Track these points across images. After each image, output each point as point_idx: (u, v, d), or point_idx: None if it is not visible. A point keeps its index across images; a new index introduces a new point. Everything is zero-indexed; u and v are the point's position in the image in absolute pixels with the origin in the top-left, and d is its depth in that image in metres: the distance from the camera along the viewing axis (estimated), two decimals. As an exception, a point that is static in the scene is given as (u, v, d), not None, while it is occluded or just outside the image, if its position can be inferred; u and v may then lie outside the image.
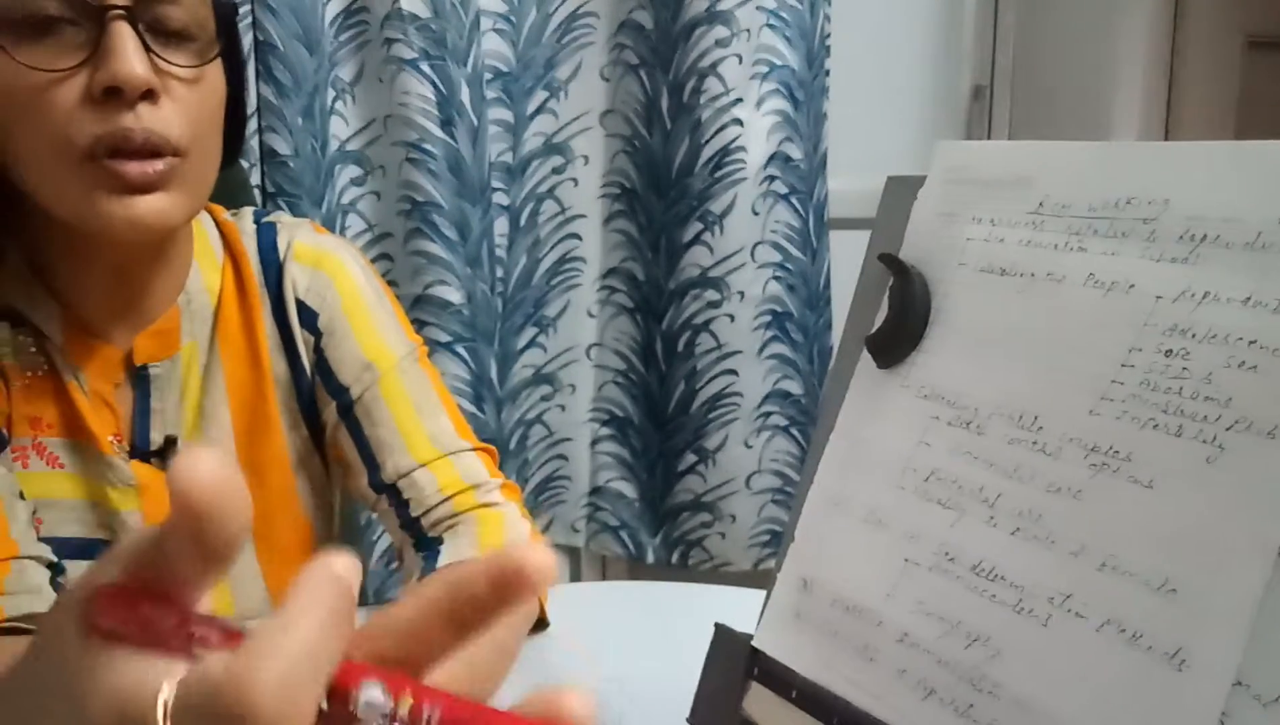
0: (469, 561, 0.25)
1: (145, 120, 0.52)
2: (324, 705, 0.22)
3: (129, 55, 0.51)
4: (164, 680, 0.22)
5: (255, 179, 1.13)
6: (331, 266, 0.68)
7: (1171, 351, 0.35)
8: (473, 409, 1.26)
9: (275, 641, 0.21)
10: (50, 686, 0.24)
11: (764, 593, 0.45)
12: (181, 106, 0.54)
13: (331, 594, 0.22)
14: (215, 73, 0.57)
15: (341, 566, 0.23)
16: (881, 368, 0.44)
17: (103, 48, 0.51)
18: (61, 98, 0.51)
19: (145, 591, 0.23)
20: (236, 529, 0.22)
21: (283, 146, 1.13)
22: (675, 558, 1.40)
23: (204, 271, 0.65)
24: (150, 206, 0.53)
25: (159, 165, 0.53)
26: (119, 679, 0.22)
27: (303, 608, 0.22)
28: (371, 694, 0.22)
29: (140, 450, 0.62)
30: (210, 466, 0.21)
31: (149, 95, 0.52)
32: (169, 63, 0.54)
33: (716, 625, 0.47)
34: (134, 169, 0.52)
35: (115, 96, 0.51)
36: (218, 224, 0.68)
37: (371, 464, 0.67)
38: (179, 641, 0.23)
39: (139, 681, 0.22)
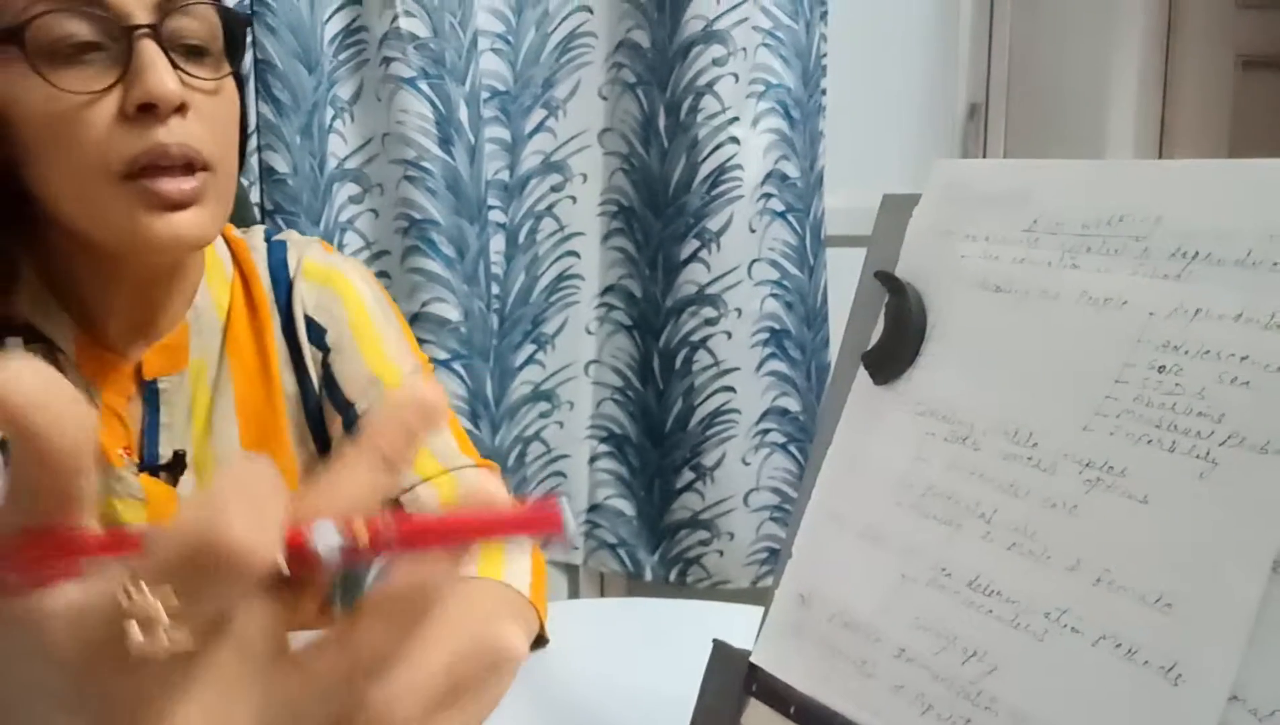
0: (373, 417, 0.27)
1: (178, 134, 0.54)
2: (284, 567, 0.23)
3: (161, 72, 0.52)
4: (98, 586, 0.22)
5: (254, 197, 1.14)
6: (340, 284, 0.68)
7: (1164, 367, 0.35)
8: (469, 426, 1.26)
9: (230, 490, 0.23)
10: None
11: (762, 609, 0.45)
12: (207, 119, 0.55)
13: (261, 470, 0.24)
14: (230, 86, 0.59)
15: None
16: (878, 384, 0.44)
17: (133, 67, 0.52)
18: (96, 117, 0.52)
19: (30, 536, 0.23)
20: (73, 432, 0.22)
21: (281, 164, 1.14)
22: (673, 576, 1.39)
23: (213, 288, 0.65)
24: (189, 221, 0.55)
25: (193, 181, 0.55)
26: (59, 617, 0.23)
27: (244, 471, 0.24)
28: (324, 532, 0.24)
29: (149, 464, 0.62)
30: (30, 379, 0.21)
31: (179, 109, 0.54)
32: (192, 76, 0.55)
33: (715, 641, 0.47)
34: (170, 186, 0.54)
35: (149, 112, 0.53)
36: (227, 242, 0.68)
37: None
38: (77, 563, 0.23)
39: (72, 606, 0.23)
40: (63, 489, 0.23)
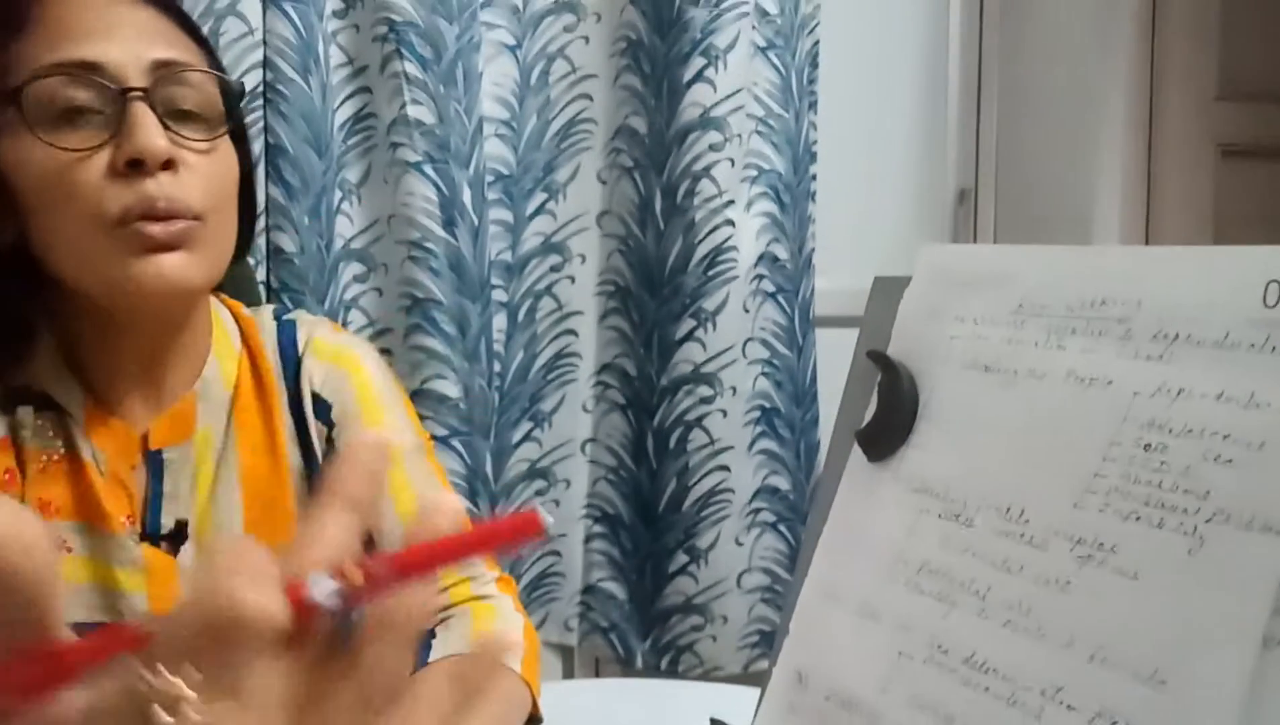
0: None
1: (166, 188, 0.56)
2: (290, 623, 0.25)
3: (149, 130, 0.55)
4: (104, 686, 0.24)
5: (261, 275, 1.16)
6: (348, 361, 0.70)
7: (1150, 445, 0.36)
8: (467, 503, 1.26)
9: (228, 561, 0.24)
10: None
11: (757, 689, 0.45)
12: (197, 177, 0.58)
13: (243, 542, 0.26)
14: (227, 149, 0.61)
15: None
16: (872, 461, 0.45)
17: (125, 126, 0.55)
18: (89, 174, 0.55)
19: (15, 660, 0.24)
20: (43, 560, 0.24)
21: (289, 245, 1.16)
22: (665, 663, 1.37)
23: (221, 361, 0.67)
24: (173, 264, 0.57)
25: (179, 224, 0.57)
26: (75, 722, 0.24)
27: (234, 543, 0.25)
28: (319, 582, 0.25)
29: (151, 533, 0.62)
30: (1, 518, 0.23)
31: (168, 165, 0.56)
32: (183, 137, 0.58)
33: (712, 720, 0.46)
34: (158, 228, 0.56)
35: (138, 168, 0.55)
36: (236, 318, 0.70)
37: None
38: (67, 671, 0.24)
39: (88, 708, 0.24)
40: (39, 613, 0.24)
